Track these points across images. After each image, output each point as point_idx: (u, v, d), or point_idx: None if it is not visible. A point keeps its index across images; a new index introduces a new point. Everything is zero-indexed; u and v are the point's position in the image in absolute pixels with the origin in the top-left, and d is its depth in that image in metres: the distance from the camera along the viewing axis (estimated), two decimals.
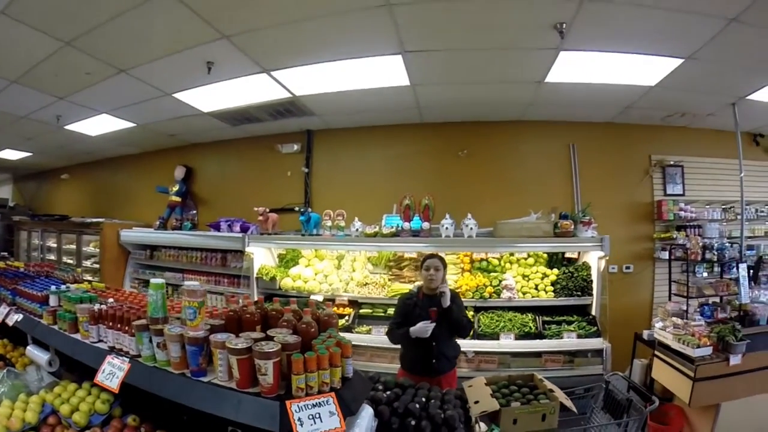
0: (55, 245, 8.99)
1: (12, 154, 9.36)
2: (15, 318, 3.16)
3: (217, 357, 1.84)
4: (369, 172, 6.55)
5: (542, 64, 4.21)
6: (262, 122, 6.43)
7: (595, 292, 4.72)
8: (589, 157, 5.94)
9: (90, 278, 7.30)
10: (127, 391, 2.14)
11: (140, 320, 2.18)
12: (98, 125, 6.81)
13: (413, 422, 2.14)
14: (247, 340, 1.78)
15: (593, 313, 4.74)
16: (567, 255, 5.23)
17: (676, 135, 5.96)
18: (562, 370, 4.40)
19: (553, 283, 4.90)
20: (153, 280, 2.21)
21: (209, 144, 7.82)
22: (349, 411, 1.69)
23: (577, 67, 4.23)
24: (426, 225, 4.84)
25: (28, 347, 3.06)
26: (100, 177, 9.82)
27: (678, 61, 4.04)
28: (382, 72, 4.47)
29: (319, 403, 1.61)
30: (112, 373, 2.16)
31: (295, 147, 6.88)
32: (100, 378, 2.18)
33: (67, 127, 6.87)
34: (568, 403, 2.37)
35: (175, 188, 7.63)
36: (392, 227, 4.94)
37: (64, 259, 8.63)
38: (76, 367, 2.60)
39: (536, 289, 4.89)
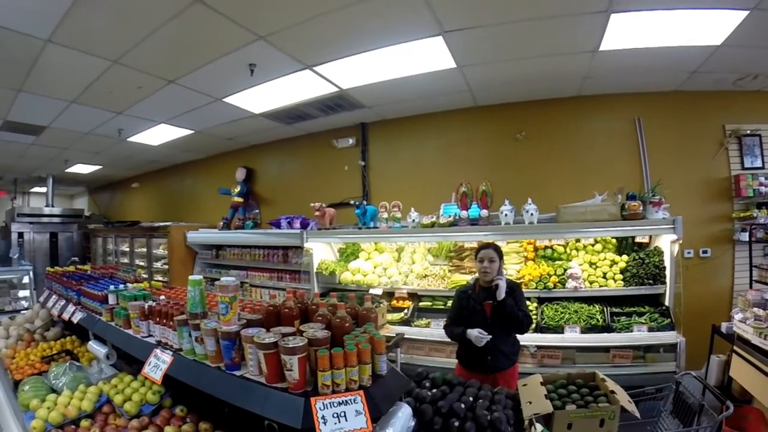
0: (127, 249, 9.56)
1: (84, 168, 10.14)
2: (79, 316, 3.38)
3: (247, 351, 1.84)
4: (425, 161, 6.43)
5: (594, 31, 3.86)
6: (316, 119, 6.49)
7: (668, 280, 4.29)
8: (656, 130, 5.42)
9: (161, 278, 7.72)
10: (176, 384, 2.21)
11: (181, 315, 2.25)
12: (159, 135, 7.18)
13: (457, 423, 2.00)
14: (276, 335, 1.74)
15: (667, 303, 4.33)
16: (638, 240, 4.81)
17: (752, 100, 5.29)
18: (632, 366, 4.03)
19: (622, 271, 4.52)
20: (191, 277, 2.26)
21: (267, 144, 8.02)
22: (378, 411, 1.59)
23: (631, 31, 3.86)
24: (484, 212, 4.66)
25: (89, 342, 3.27)
26: (167, 183, 10.41)
27: (743, 14, 3.55)
28: (426, 56, 4.31)
29: (346, 401, 1.53)
30: (156, 365, 2.25)
31: (351, 141, 6.90)
32: (146, 370, 2.28)
33: (129, 139, 7.32)
34: (631, 407, 2.14)
35: (237, 189, 7.93)
36: (449, 216, 4.80)
37: (137, 261, 9.16)
38: (134, 361, 2.72)
39: (604, 277, 4.53)
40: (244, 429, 2.09)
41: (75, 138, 7.17)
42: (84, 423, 2.41)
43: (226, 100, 5.47)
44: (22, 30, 3.61)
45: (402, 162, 6.61)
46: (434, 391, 2.26)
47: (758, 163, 5.27)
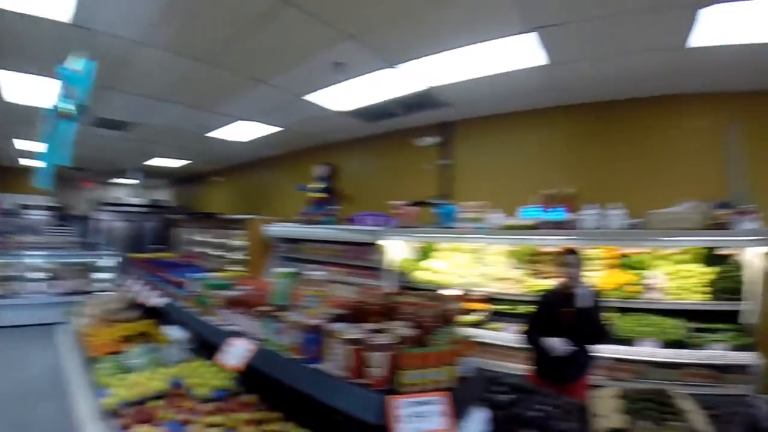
0: (206, 239, 10.07)
1: (168, 162, 10.89)
2: (160, 301, 3.59)
3: (330, 345, 1.87)
4: (509, 161, 6.24)
5: (681, 26, 3.56)
6: (399, 117, 6.47)
7: (754, 296, 3.95)
8: (755, 133, 4.86)
9: (238, 268, 8.03)
10: (248, 373, 2.26)
11: (265, 306, 2.33)
12: (244, 131, 7.52)
13: None
14: (360, 331, 1.77)
15: (750, 320, 3.99)
16: (724, 251, 4.43)
17: None
18: (706, 386, 3.78)
19: (709, 284, 4.18)
20: (282, 270, 2.38)
21: (347, 141, 8.16)
22: (458, 412, 1.60)
23: (723, 25, 3.49)
24: (567, 216, 4.46)
25: (165, 326, 3.45)
26: (249, 178, 10.96)
27: None
28: (516, 52, 4.15)
29: (427, 401, 1.55)
30: (235, 353, 2.30)
31: (433, 139, 6.85)
32: (223, 357, 2.33)
33: (213, 136, 7.70)
34: (708, 429, 2.01)
35: (317, 185, 8.05)
36: (531, 219, 4.66)
37: (215, 251, 9.58)
38: (209, 346, 2.79)
39: (687, 290, 4.22)
40: (313, 422, 2.11)
41: (161, 133, 7.60)
42: (156, 402, 2.46)
43: (310, 98, 5.58)
44: (117, 33, 3.87)
45: (484, 162, 6.45)
46: (509, 397, 2.25)
47: None
